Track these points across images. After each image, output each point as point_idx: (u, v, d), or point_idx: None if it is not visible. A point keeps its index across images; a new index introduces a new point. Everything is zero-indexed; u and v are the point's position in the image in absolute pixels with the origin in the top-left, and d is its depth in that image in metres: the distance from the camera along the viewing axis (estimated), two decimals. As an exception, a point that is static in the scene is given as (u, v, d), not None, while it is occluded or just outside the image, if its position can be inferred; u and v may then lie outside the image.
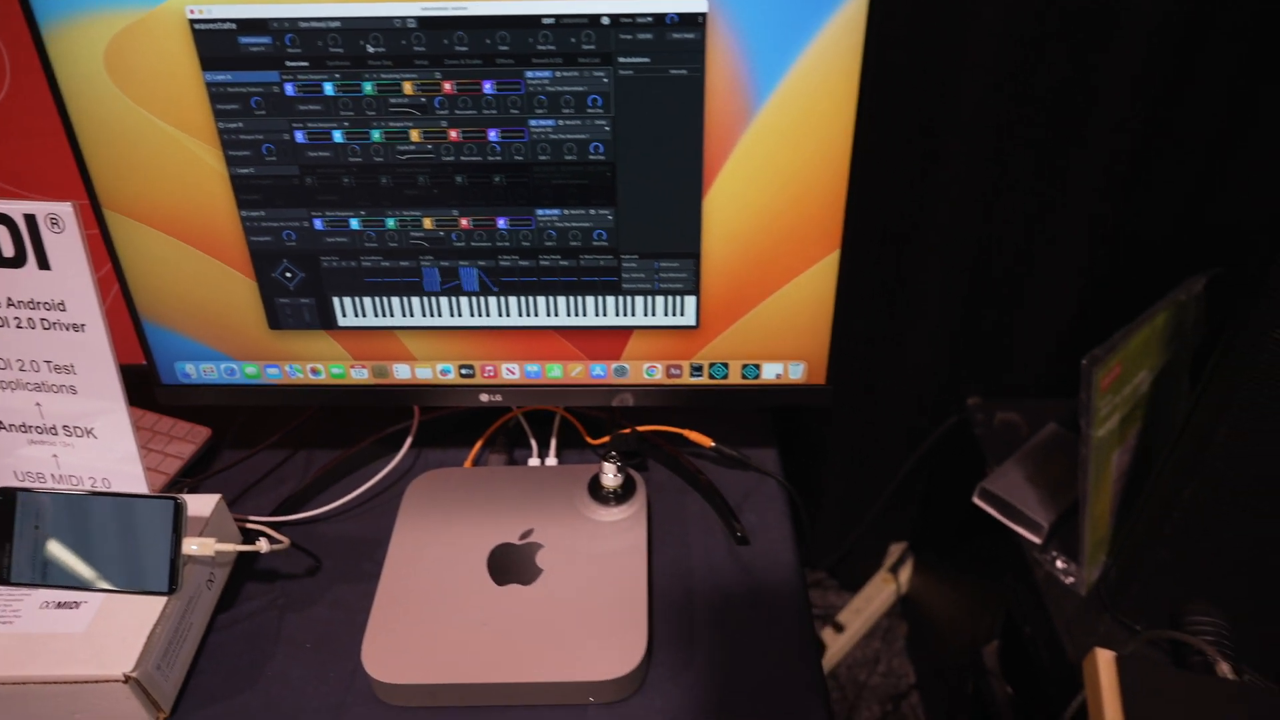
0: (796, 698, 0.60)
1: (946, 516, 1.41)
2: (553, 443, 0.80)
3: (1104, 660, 0.52)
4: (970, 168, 1.03)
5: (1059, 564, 1.01)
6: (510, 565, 0.66)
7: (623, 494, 0.71)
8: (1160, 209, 1.06)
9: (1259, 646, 0.76)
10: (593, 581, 0.65)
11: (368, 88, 0.57)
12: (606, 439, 0.78)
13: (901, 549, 1.58)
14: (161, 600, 0.60)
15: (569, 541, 0.68)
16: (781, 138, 0.59)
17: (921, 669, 1.52)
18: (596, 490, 0.72)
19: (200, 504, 0.66)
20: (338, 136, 0.59)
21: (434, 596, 0.64)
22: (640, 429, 0.77)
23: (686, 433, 0.77)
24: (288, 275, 0.65)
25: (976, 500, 1.12)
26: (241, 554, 0.70)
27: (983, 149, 1.01)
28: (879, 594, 1.60)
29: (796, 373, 0.70)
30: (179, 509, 0.60)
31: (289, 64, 0.56)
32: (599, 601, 0.63)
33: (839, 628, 1.54)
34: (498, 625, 0.62)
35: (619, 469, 0.70)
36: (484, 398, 0.71)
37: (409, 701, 0.60)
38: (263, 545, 0.64)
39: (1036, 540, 1.05)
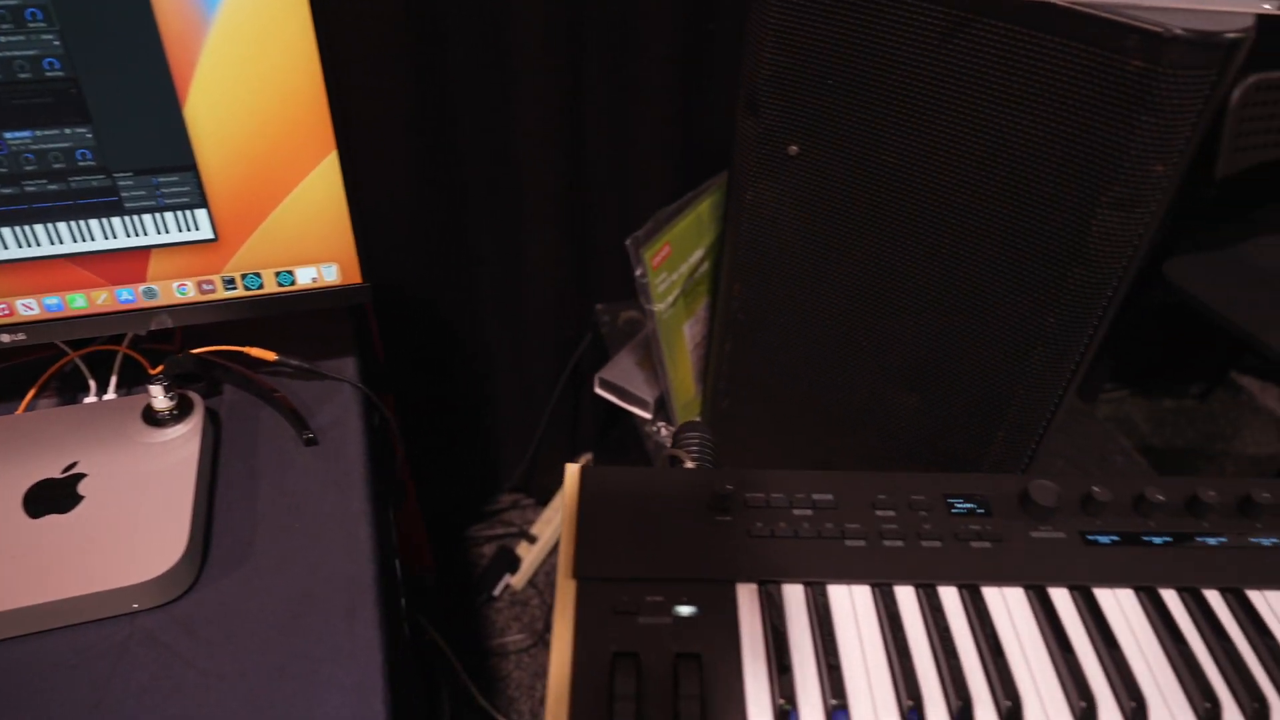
0: (351, 592, 0.65)
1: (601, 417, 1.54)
2: (113, 380, 0.79)
3: (570, 471, 0.61)
4: (547, 82, 1.11)
5: (662, 432, 1.13)
6: (48, 498, 0.66)
7: (179, 415, 0.72)
8: (717, 108, 1.20)
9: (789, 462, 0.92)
10: (136, 499, 0.66)
11: None
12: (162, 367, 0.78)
13: (588, 459, 1.69)
14: None
15: (114, 467, 0.68)
16: (245, 43, 0.61)
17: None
18: (151, 416, 0.72)
19: None
20: None
21: (-42, 541, 0.62)
22: (196, 351, 0.78)
23: (247, 350, 0.79)
24: None
25: (598, 390, 1.23)
26: None
27: (558, 59, 1.09)
28: (565, 502, 1.70)
29: (331, 275, 0.74)
30: None
31: None
32: (140, 515, 0.65)
33: (532, 539, 1.63)
34: (28, 556, 0.62)
35: (168, 391, 0.71)
36: (4, 338, 0.69)
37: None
38: None
39: (646, 415, 1.17)
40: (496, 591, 1.54)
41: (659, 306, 1.00)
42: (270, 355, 0.80)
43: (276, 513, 0.71)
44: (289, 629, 0.63)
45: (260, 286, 0.73)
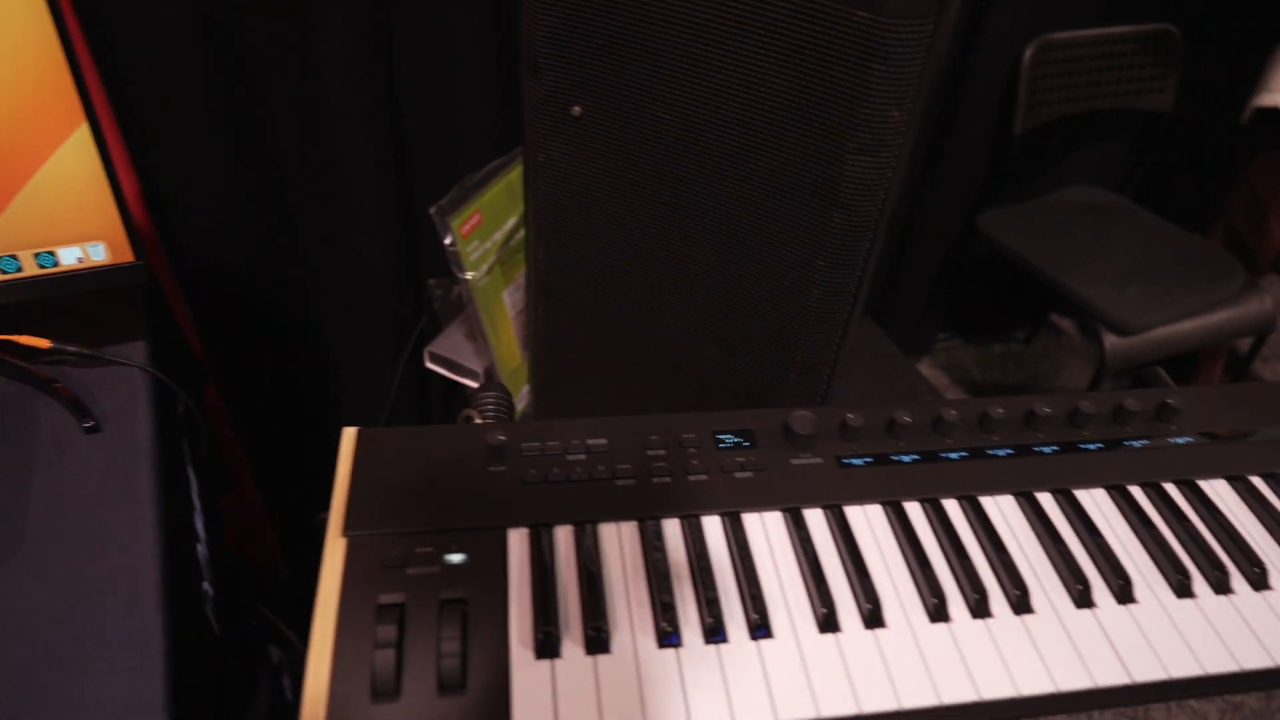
0: (132, 579, 0.63)
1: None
2: None
3: (346, 434, 0.61)
4: (360, 56, 1.09)
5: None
6: None
7: (-62, 409, 0.69)
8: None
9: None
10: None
11: None
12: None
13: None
14: None
15: None
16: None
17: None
18: (-94, 412, 0.68)
19: None
20: None
21: None
22: (-44, 342, 0.74)
23: (17, 338, 0.75)
24: None
25: (428, 364, 1.22)
26: None
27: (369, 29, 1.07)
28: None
29: (99, 254, 0.71)
30: None
31: None
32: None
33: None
34: None
35: (-78, 384, 0.68)
36: None
37: None
38: None
39: (476, 385, 1.17)
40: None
41: (472, 275, 1.00)
42: (44, 343, 0.76)
43: (50, 502, 0.68)
44: (64, 618, 0.61)
45: (19, 270, 0.69)
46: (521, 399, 1.17)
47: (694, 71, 0.72)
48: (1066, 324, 2.37)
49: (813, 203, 0.73)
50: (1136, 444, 0.67)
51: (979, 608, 0.55)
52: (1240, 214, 1.68)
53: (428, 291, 1.38)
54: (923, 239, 1.84)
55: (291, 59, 1.08)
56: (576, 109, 0.80)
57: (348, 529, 0.55)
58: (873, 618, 0.54)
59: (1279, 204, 1.63)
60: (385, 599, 0.52)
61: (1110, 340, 1.54)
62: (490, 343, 1.06)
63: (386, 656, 0.49)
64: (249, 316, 1.30)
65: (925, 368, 2.23)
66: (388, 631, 0.50)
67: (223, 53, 1.05)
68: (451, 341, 1.20)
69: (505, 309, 1.09)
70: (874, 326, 1.37)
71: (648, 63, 0.74)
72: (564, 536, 0.57)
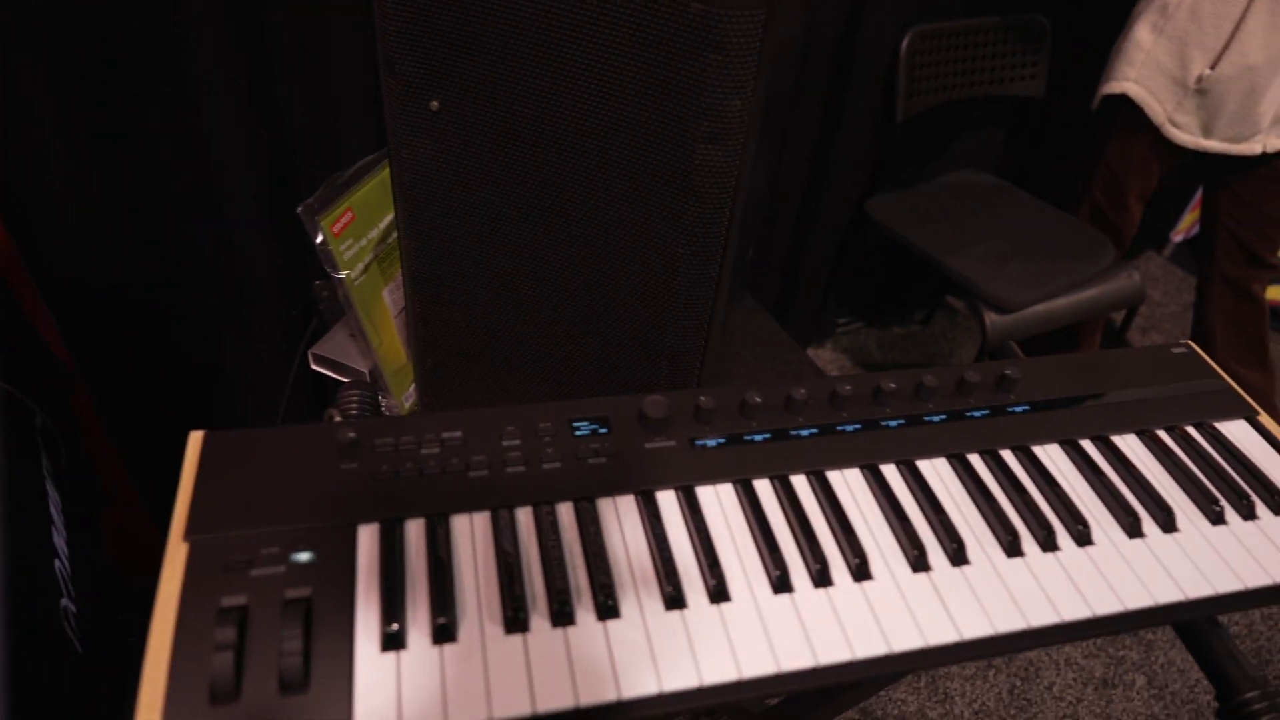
0: None
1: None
2: None
3: (193, 438, 0.60)
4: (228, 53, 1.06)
5: (381, 402, 1.12)
6: None
7: None
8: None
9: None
10: None
11: None
12: None
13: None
14: None
15: None
16: None
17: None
18: None
19: None
20: None
21: None
22: None
23: None
24: None
25: (313, 366, 1.20)
26: None
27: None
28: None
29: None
30: None
31: None
32: None
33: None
34: None
35: None
36: None
37: None
38: None
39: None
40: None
41: (347, 274, 0.99)
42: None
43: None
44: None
45: None
46: (410, 398, 1.16)
47: (544, 64, 0.73)
48: (961, 304, 2.46)
49: (668, 192, 0.74)
50: (978, 414, 0.70)
51: (820, 577, 0.57)
52: (1102, 193, 1.77)
53: (314, 292, 1.35)
54: (817, 227, 1.89)
55: (151, 57, 1.05)
56: (435, 104, 0.80)
57: (190, 533, 0.54)
58: (718, 593, 0.56)
59: (1136, 184, 1.72)
60: (227, 601, 0.51)
61: (990, 317, 1.61)
62: (371, 342, 1.05)
63: (224, 659, 0.48)
64: (124, 325, 1.26)
65: (829, 352, 2.28)
66: (226, 634, 0.49)
67: (75, 50, 1.01)
68: (336, 343, 1.18)
69: (386, 308, 1.08)
70: (763, 313, 1.40)
71: (500, 56, 0.74)
72: (415, 530, 0.57)
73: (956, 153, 1.95)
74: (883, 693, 1.58)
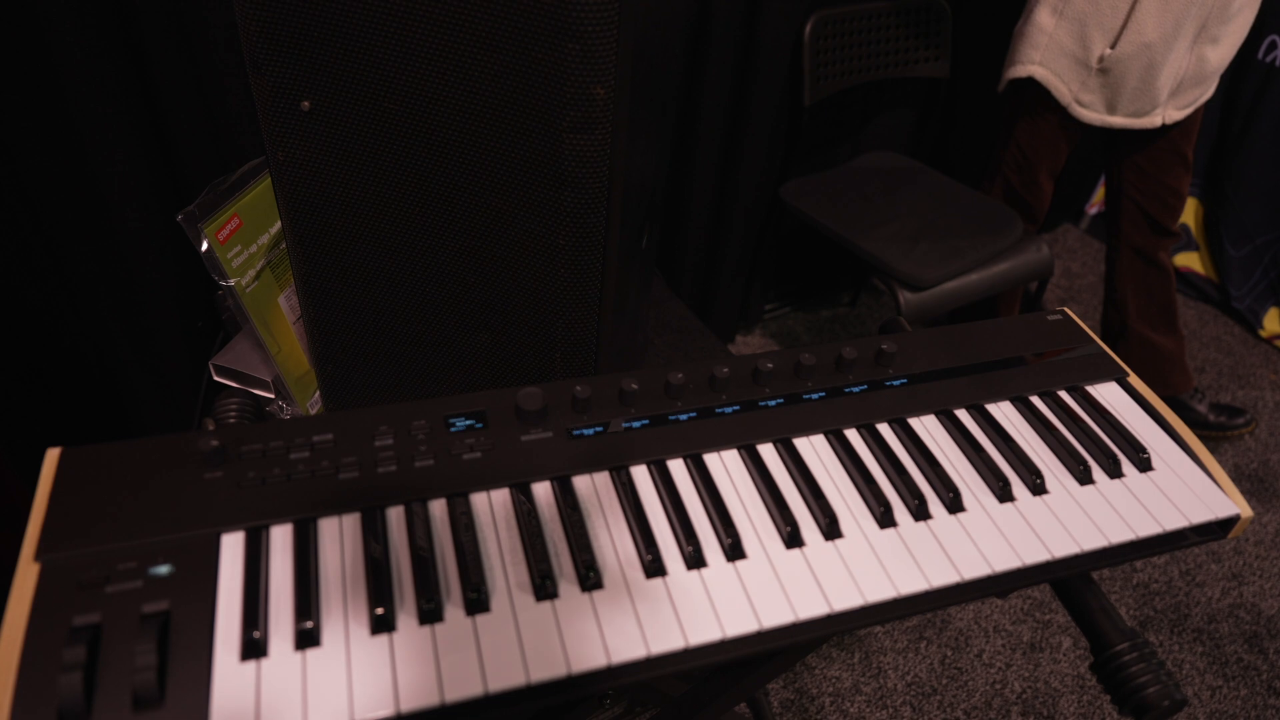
0: None
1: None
2: None
3: (49, 456, 0.58)
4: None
5: (285, 410, 1.10)
6: None
7: None
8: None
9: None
10: None
11: None
12: None
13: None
14: None
15: None
16: None
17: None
18: None
19: None
20: None
21: None
22: None
23: None
24: None
25: (215, 377, 1.18)
26: None
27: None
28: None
29: None
30: None
31: None
32: None
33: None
34: None
35: None
36: None
37: None
38: None
39: (270, 395, 1.13)
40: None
41: (237, 281, 0.97)
42: None
43: None
44: None
45: None
46: (315, 404, 1.14)
47: (411, 59, 0.72)
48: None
49: (543, 183, 0.74)
50: (855, 390, 0.71)
51: (693, 559, 0.58)
52: (1013, 172, 1.81)
53: (218, 301, 1.33)
54: (735, 214, 1.90)
55: (17, 65, 1.02)
56: (306, 104, 0.78)
57: (41, 552, 0.53)
58: (590, 582, 0.56)
59: (1045, 162, 1.77)
60: (79, 620, 0.50)
61: (905, 296, 1.63)
62: (270, 350, 1.03)
63: (72, 680, 0.47)
64: (11, 341, 1.22)
65: (757, 338, 2.30)
66: (74, 653, 0.48)
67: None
68: (237, 352, 1.16)
69: (284, 314, 1.06)
70: (677, 301, 1.40)
71: (365, 51, 0.73)
72: (281, 535, 0.56)
73: (869, 135, 1.98)
74: (817, 669, 1.61)
